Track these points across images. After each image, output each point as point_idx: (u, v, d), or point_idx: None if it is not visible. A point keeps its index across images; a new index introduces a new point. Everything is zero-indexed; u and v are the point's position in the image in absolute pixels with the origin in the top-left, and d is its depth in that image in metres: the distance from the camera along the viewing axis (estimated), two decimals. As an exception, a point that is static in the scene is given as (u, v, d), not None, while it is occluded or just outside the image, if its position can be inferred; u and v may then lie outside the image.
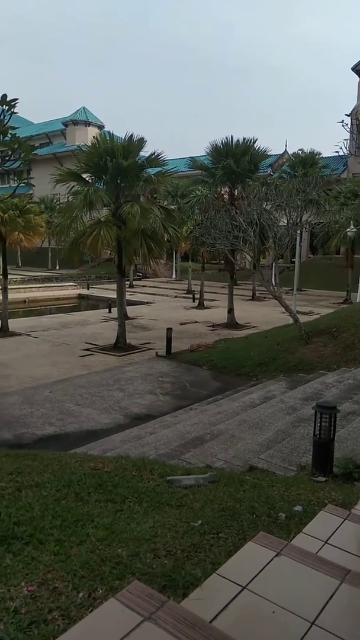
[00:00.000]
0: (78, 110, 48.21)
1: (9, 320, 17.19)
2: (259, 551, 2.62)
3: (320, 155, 30.61)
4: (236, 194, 17.92)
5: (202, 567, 2.52)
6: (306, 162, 29.87)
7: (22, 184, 5.59)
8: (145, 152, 14.69)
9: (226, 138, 17.49)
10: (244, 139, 17.52)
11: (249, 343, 14.60)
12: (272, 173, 33.29)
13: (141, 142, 14.34)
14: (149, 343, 15.66)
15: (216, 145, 17.67)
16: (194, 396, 10.53)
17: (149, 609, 1.76)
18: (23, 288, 30.43)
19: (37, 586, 2.17)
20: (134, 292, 30.72)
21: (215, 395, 10.41)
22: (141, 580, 2.25)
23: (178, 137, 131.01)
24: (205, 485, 4.01)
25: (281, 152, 38.61)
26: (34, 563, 2.38)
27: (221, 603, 2.16)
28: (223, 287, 28.47)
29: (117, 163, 13.56)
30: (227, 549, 2.84)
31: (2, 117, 4.49)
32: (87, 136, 40.08)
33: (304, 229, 19.76)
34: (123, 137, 14.45)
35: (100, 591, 2.20)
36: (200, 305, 24.79)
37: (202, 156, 20.21)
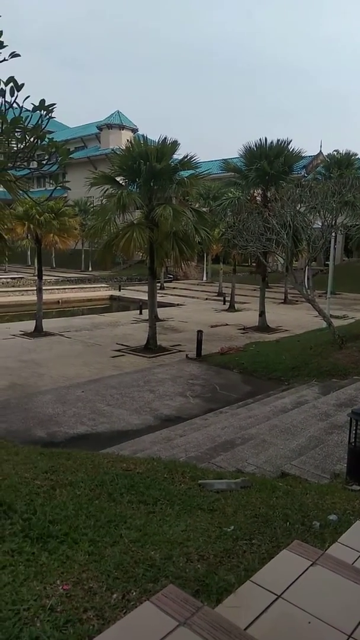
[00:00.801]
0: (112, 114, 48.82)
1: (43, 320, 17.53)
2: (294, 560, 2.57)
3: (356, 156, 30.02)
4: (269, 196, 17.74)
5: (236, 574, 2.50)
6: (342, 163, 29.35)
7: (58, 187, 5.69)
8: (178, 155, 14.76)
9: (260, 140, 17.38)
10: (278, 140, 17.36)
11: (280, 347, 14.43)
12: (306, 174, 32.84)
13: (174, 145, 14.40)
14: (179, 345, 15.68)
15: (250, 147, 17.57)
16: (224, 399, 10.47)
17: (184, 614, 1.75)
18: (57, 289, 30.99)
19: (72, 585, 2.20)
20: (165, 294, 30.83)
21: (245, 399, 10.32)
22: (174, 584, 2.24)
23: (211, 140, 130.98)
24: (237, 490, 3.97)
25: (316, 154, 38.05)
26: (69, 562, 2.41)
27: (256, 611, 2.13)
28: (254, 290, 28.25)
29: (150, 166, 13.66)
30: (260, 555, 2.81)
31: (40, 121, 4.60)
32: (121, 139, 40.53)
33: (338, 231, 19.39)
34: (156, 141, 14.55)
35: (134, 593, 2.21)
36: (231, 308, 24.65)
37: (234, 158, 20.13)
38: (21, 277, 35.77)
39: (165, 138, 14.27)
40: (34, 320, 17.57)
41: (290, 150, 17.37)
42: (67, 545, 2.59)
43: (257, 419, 8.22)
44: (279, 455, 6.00)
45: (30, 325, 17.81)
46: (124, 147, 15.28)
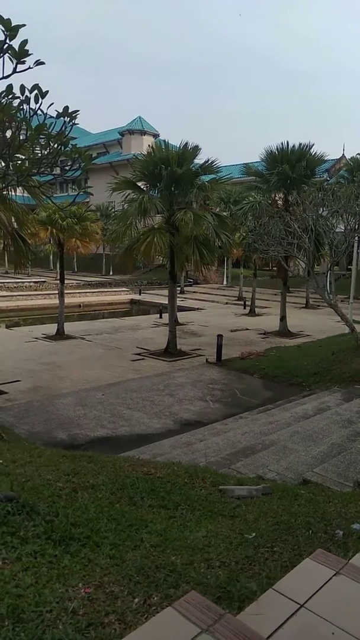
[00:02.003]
0: (134, 119, 49.26)
1: (64, 323, 17.73)
2: (317, 569, 2.53)
3: (380, 160, 29.59)
4: (291, 200, 17.62)
5: (258, 581, 2.47)
6: (365, 166, 28.97)
7: (81, 193, 5.76)
8: (199, 160, 14.79)
9: (281, 143, 17.28)
10: (300, 144, 17.24)
11: (302, 352, 14.28)
12: (328, 178, 32.51)
13: (196, 149, 14.44)
14: (199, 349, 15.66)
15: (271, 150, 17.48)
16: (245, 404, 10.40)
17: (206, 621, 1.74)
18: (78, 293, 31.31)
19: (94, 588, 2.20)
20: (185, 298, 30.85)
21: (266, 405, 10.23)
22: (196, 590, 2.23)
23: (233, 144, 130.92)
24: (258, 497, 3.93)
25: (339, 157, 37.67)
26: (91, 565, 2.42)
27: (278, 620, 2.10)
28: (275, 294, 28.05)
29: (171, 171, 13.71)
30: (282, 563, 2.77)
31: (63, 128, 4.67)
32: (142, 145, 40.84)
33: (361, 235, 19.10)
34: (178, 145, 14.61)
35: (156, 598, 2.20)
36: (252, 313, 24.51)
37: (256, 162, 20.07)
38: (44, 281, 36.30)
39: (186, 143, 14.33)
40: (56, 324, 17.78)
41: (313, 153, 17.23)
42: (89, 548, 2.60)
43: (278, 425, 8.15)
44: (300, 462, 5.93)
45: (52, 328, 18.03)
46: (146, 153, 15.39)
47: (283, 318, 18.63)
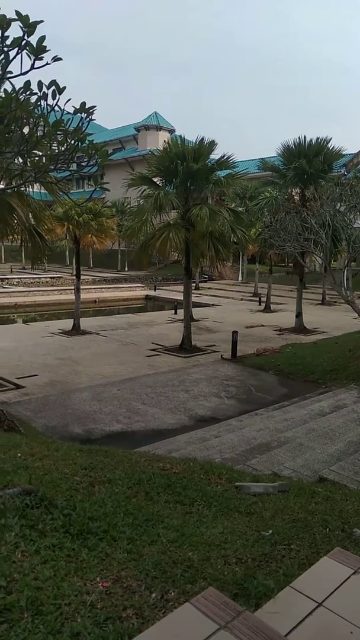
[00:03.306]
0: (150, 115, 49.20)
1: (80, 319, 17.85)
2: (335, 567, 2.50)
3: None
4: (308, 195, 17.45)
5: (275, 579, 2.46)
6: (383, 161, 28.49)
7: (97, 189, 5.77)
8: (215, 155, 14.71)
9: (299, 138, 17.12)
10: (317, 138, 17.06)
11: (318, 349, 14.17)
12: (346, 173, 32.08)
13: (212, 145, 14.37)
14: (214, 345, 15.64)
15: (288, 145, 17.34)
16: (260, 401, 10.37)
17: (224, 618, 1.73)
18: (94, 288, 31.49)
19: (111, 583, 2.21)
20: (200, 294, 30.82)
21: (281, 402, 10.19)
22: (213, 586, 2.23)
23: (248, 139, 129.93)
24: (274, 494, 3.92)
25: (356, 151, 37.12)
26: (108, 559, 2.43)
27: (296, 618, 2.08)
28: (291, 291, 27.87)
29: (187, 166, 13.67)
30: (299, 561, 2.76)
31: (80, 124, 4.68)
32: (158, 140, 40.80)
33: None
34: (194, 141, 14.55)
35: (173, 593, 2.21)
36: (267, 309, 24.39)
37: (272, 157, 19.89)
38: (60, 277, 36.58)
39: (202, 138, 14.27)
40: (72, 319, 17.92)
41: (330, 148, 17.02)
42: (106, 542, 2.62)
43: (294, 422, 8.10)
44: (316, 460, 5.89)
45: (68, 323, 18.18)
46: (161, 148, 15.37)
47: (299, 314, 18.50)
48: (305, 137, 17.08)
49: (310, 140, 17.03)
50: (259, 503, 3.66)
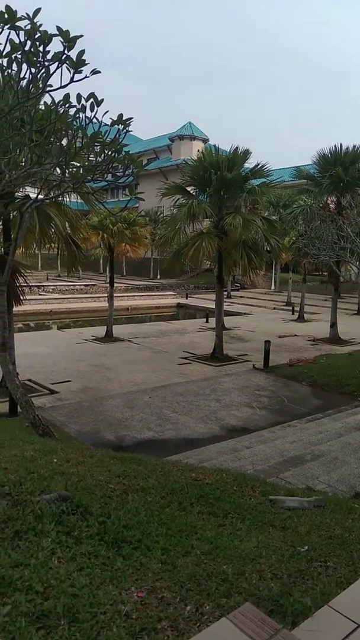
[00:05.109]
0: (184, 125, 49.62)
1: (113, 326, 18.06)
2: (375, 588, 2.43)
3: None
4: (344, 203, 17.17)
5: (312, 597, 2.40)
6: None
7: (132, 198, 5.85)
8: (249, 164, 14.70)
9: (335, 146, 16.91)
10: (354, 146, 16.78)
11: (353, 360, 13.85)
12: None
13: (246, 153, 14.36)
14: (245, 355, 15.51)
15: (324, 153, 17.15)
16: (293, 412, 10.19)
17: (262, 635, 1.70)
18: (126, 296, 31.85)
19: (146, 593, 2.20)
20: (232, 302, 30.68)
21: (315, 414, 9.98)
22: (248, 601, 2.19)
23: (283, 147, 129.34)
24: (310, 509, 3.83)
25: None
26: (143, 569, 2.42)
27: (335, 638, 2.02)
28: (325, 300, 27.39)
29: (221, 175, 13.70)
30: (337, 579, 2.68)
31: (117, 135, 4.76)
32: (192, 150, 41.09)
33: None
34: (228, 150, 14.58)
35: (207, 607, 2.18)
36: (300, 318, 24.04)
37: (307, 165, 19.71)
38: (94, 284, 37.15)
39: (236, 147, 14.29)
40: (105, 326, 18.15)
41: (367, 155, 16.72)
42: (141, 552, 2.61)
43: (328, 435, 7.92)
44: (352, 475, 5.74)
45: (101, 330, 18.42)
46: (195, 158, 15.47)
47: (333, 324, 18.15)
48: (341, 144, 16.88)
49: (347, 148, 16.79)
50: (293, 518, 3.59)
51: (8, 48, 3.64)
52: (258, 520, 3.47)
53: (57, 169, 4.99)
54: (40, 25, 3.55)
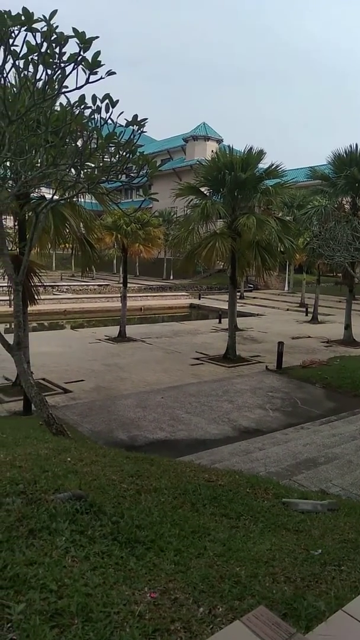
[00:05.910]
0: (198, 125, 49.57)
1: (126, 326, 18.12)
2: (390, 594, 2.39)
3: None
4: (359, 203, 17.01)
5: (326, 601, 2.37)
6: None
7: (147, 199, 5.85)
8: (263, 164, 14.63)
9: (350, 146, 16.75)
10: (370, 146, 16.61)
11: (367, 362, 13.70)
12: None
13: (260, 154, 14.30)
14: (258, 356, 15.44)
15: (339, 153, 17.00)
16: (306, 414, 10.12)
17: (276, 639, 1.69)
18: (139, 296, 31.94)
19: (159, 594, 2.20)
20: (245, 303, 30.59)
21: (329, 416, 9.90)
22: (262, 604, 2.18)
23: (297, 147, 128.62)
24: (323, 513, 3.80)
25: None
26: (156, 570, 2.42)
27: (349, 645, 2.00)
28: (339, 302, 27.16)
29: (235, 176, 13.66)
30: (350, 583, 2.65)
31: (132, 136, 4.77)
32: (205, 151, 41.06)
33: None
34: (242, 150, 14.54)
35: (220, 609, 2.17)
36: (314, 320, 23.86)
37: (322, 165, 19.57)
38: (107, 285, 37.32)
39: (251, 148, 14.24)
40: (118, 326, 18.21)
41: (384, 155, 16.54)
42: (154, 552, 2.61)
43: (342, 438, 7.85)
44: (367, 478, 5.68)
45: (114, 330, 18.49)
46: (209, 158, 15.44)
47: (348, 326, 17.98)
48: (357, 145, 16.71)
49: (362, 148, 16.63)
50: (307, 521, 3.56)
51: (25, 50, 3.67)
52: (271, 523, 3.45)
53: (72, 170, 5.01)
54: (57, 27, 3.57)
